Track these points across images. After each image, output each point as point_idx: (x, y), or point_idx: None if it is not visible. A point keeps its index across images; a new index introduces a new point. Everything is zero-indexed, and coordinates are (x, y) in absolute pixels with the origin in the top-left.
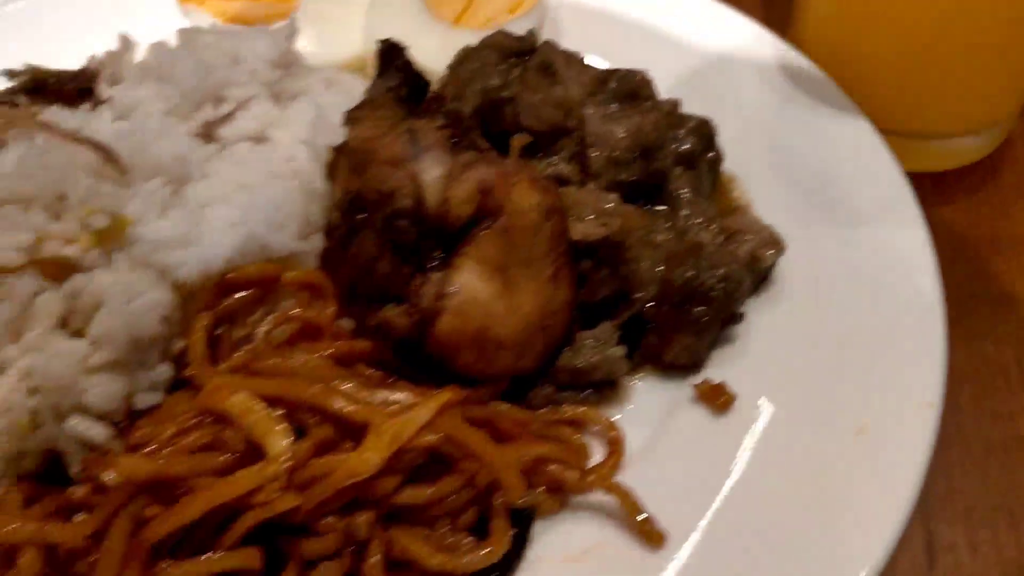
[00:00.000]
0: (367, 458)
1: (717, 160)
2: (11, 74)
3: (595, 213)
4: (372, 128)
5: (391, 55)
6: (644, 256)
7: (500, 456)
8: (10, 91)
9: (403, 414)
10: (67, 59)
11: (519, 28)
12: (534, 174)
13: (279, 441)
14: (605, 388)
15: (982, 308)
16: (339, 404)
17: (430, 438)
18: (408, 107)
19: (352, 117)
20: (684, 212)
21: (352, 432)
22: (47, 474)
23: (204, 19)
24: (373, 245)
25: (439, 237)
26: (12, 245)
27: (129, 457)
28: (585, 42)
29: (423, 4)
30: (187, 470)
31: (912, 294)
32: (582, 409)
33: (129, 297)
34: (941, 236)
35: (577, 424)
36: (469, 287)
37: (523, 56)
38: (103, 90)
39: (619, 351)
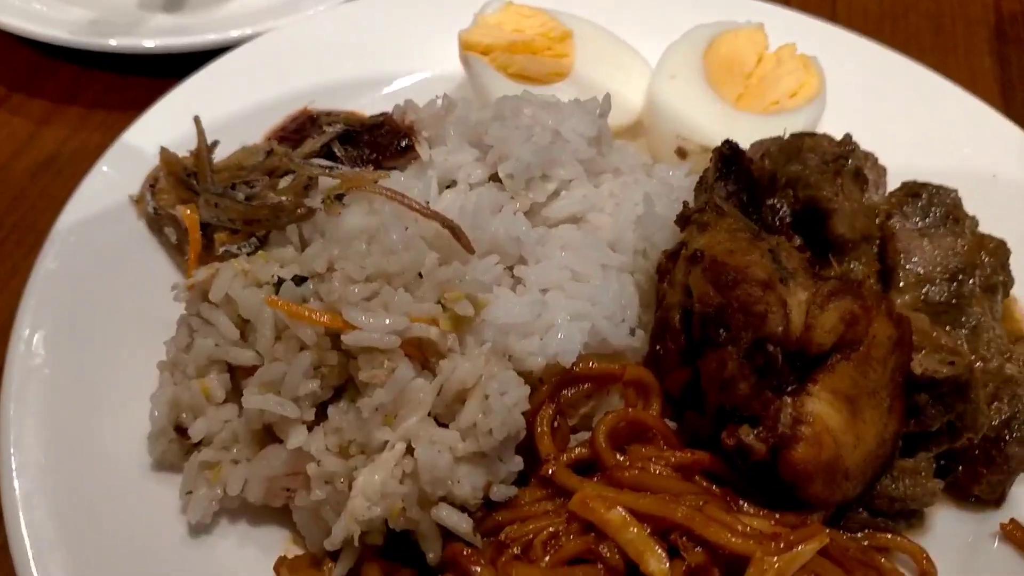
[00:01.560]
0: None
1: (1009, 284)
2: (326, 122)
3: (930, 345)
4: (729, 240)
5: (733, 157)
6: (982, 398)
7: None
8: (327, 140)
9: (784, 551)
10: (329, 92)
11: (806, 118)
12: (891, 307)
13: (659, 563)
14: (911, 516)
15: None
16: (721, 535)
17: None
18: (748, 215)
19: (698, 221)
20: (985, 338)
21: (721, 557)
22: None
23: (486, 71)
24: (736, 364)
25: (796, 361)
26: (389, 328)
27: (523, 565)
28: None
29: (706, 80)
30: None
31: None
32: (897, 537)
33: (502, 391)
34: None
35: (887, 551)
36: (824, 416)
37: (838, 161)
38: (424, 150)
39: (937, 485)
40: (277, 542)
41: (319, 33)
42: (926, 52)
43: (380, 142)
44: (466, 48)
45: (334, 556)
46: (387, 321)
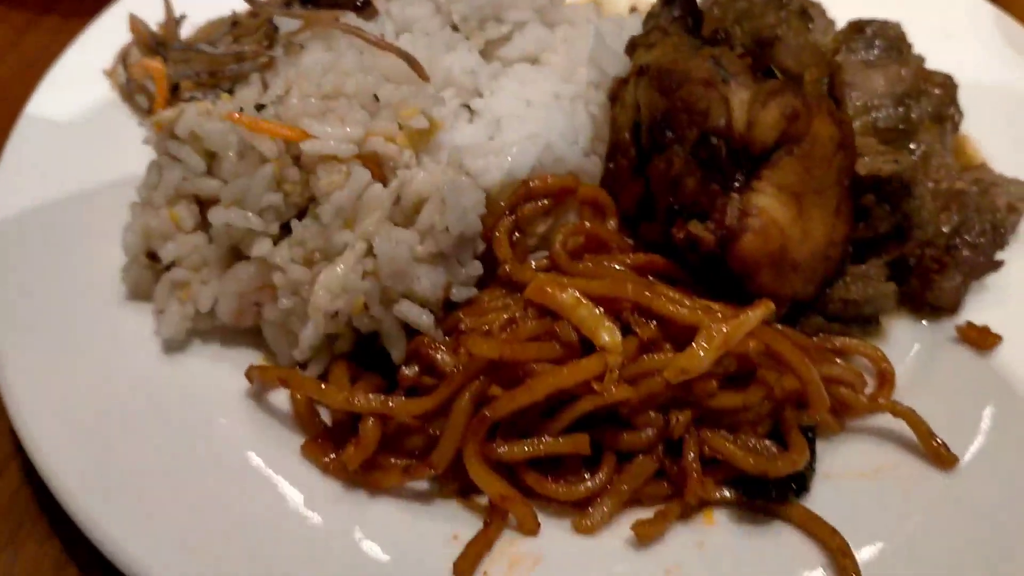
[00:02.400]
0: (699, 357)
1: (959, 118)
2: None
3: (875, 151)
4: (673, 51)
5: None
6: (928, 196)
7: (810, 370)
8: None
9: (731, 319)
10: None
11: None
12: (832, 107)
13: (612, 336)
14: (868, 322)
15: None
16: (670, 307)
17: (753, 345)
18: (696, 37)
19: (644, 43)
20: (934, 162)
21: (672, 334)
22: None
23: None
24: (682, 162)
25: (742, 158)
26: (345, 137)
27: (481, 338)
28: None
29: None
30: (533, 355)
31: None
32: (854, 340)
33: (458, 194)
34: None
35: (846, 354)
36: (771, 209)
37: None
38: (380, 3)
39: (890, 286)
40: (250, 360)
41: None
42: None
43: (340, 0)
44: None
45: (305, 369)
46: (344, 130)
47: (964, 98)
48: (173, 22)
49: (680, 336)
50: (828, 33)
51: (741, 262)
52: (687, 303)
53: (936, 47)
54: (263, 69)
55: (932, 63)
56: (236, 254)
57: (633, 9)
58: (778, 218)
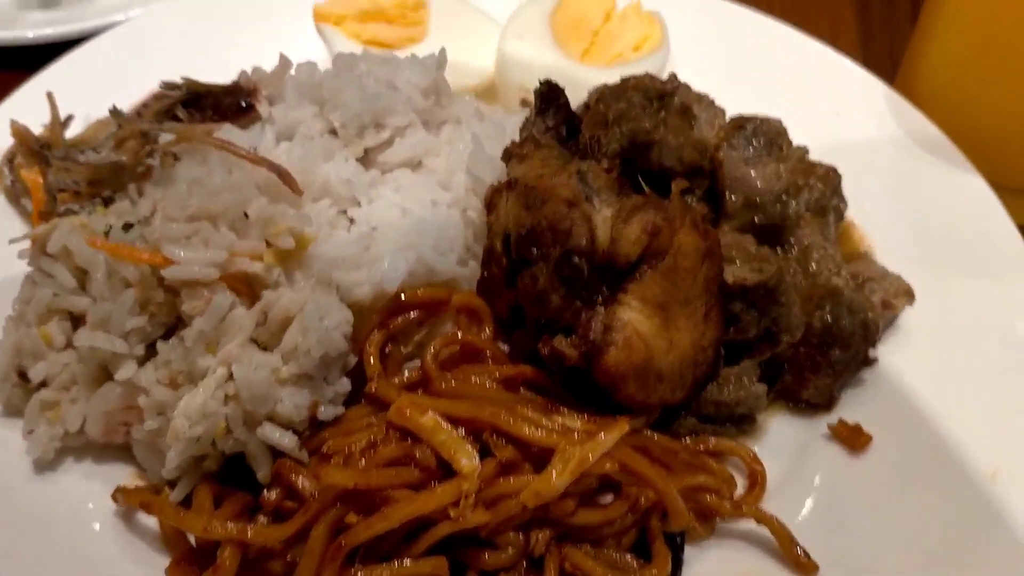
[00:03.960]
0: (554, 481)
1: (842, 207)
2: (169, 87)
3: (744, 257)
4: (541, 166)
5: (551, 95)
6: (795, 301)
7: (668, 485)
8: (169, 104)
9: (587, 441)
10: (201, 69)
11: (644, 68)
12: (696, 218)
13: (470, 460)
14: (743, 422)
15: None
16: (527, 429)
17: (609, 466)
18: (567, 147)
19: (517, 153)
20: (815, 256)
21: (532, 454)
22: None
23: (340, 39)
24: (546, 279)
25: (606, 273)
26: (208, 261)
27: (335, 468)
28: (699, 85)
29: (552, 38)
30: (387, 482)
31: None
32: (727, 440)
33: (320, 315)
34: None
35: (719, 455)
36: (634, 323)
37: (663, 99)
38: (263, 109)
39: (761, 388)
40: (121, 477)
41: (190, 14)
42: (788, 8)
43: (223, 104)
44: (319, 19)
45: (174, 486)
46: (205, 255)
47: (852, 180)
48: (58, 124)
49: (541, 455)
50: (716, 124)
51: (606, 376)
52: (546, 424)
53: (827, 127)
54: (140, 179)
55: (822, 143)
56: (106, 372)
57: (525, 104)
58: (642, 331)
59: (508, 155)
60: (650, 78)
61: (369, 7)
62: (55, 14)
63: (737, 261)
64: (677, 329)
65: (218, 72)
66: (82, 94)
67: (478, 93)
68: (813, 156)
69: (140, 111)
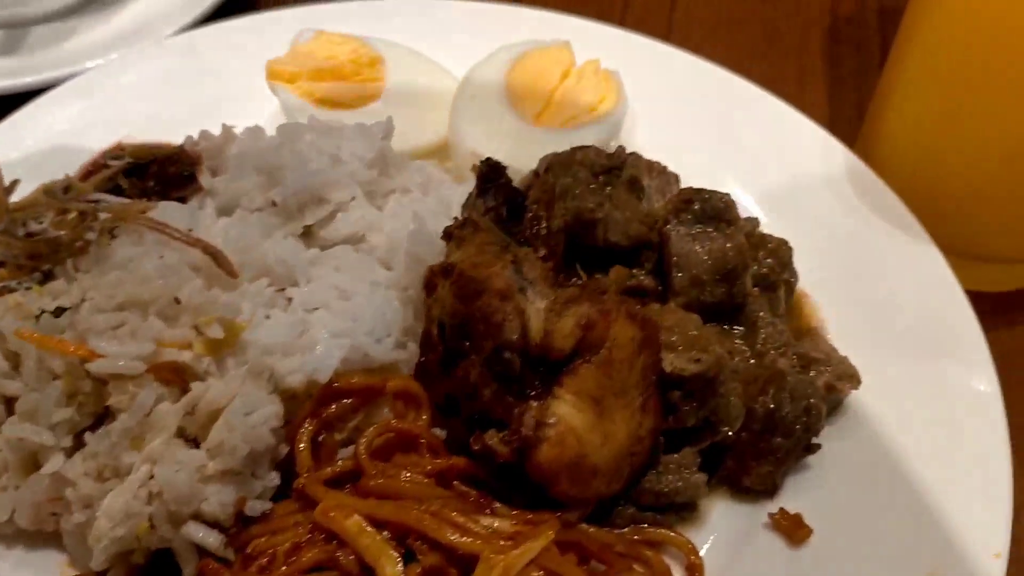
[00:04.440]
0: None
1: (793, 281)
2: (112, 156)
3: (685, 344)
4: (477, 253)
5: (492, 174)
6: (732, 392)
7: None
8: (112, 173)
9: (512, 549)
10: (154, 125)
11: (600, 131)
12: (632, 309)
13: (393, 567)
14: (684, 509)
15: None
16: (452, 536)
17: (536, 574)
18: (508, 227)
19: (457, 235)
20: (762, 334)
21: (459, 558)
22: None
23: (291, 97)
24: (478, 373)
25: (540, 366)
26: (133, 354)
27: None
28: (658, 145)
29: (507, 98)
30: None
31: (979, 435)
32: (664, 531)
33: (247, 410)
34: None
35: (657, 545)
36: (568, 418)
37: (610, 172)
38: (206, 179)
39: (701, 478)
40: (54, 565)
41: (148, 66)
42: (758, 58)
43: (167, 173)
44: (271, 77)
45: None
46: (131, 348)
47: (807, 248)
48: (3, 194)
49: (468, 559)
50: (667, 192)
51: (538, 473)
52: (472, 527)
53: (784, 191)
54: (79, 253)
55: (778, 207)
56: (36, 462)
57: (475, 168)
58: (576, 425)
59: (448, 235)
60: (596, 152)
61: (324, 65)
62: (8, 62)
63: (678, 347)
64: (612, 421)
65: (177, 127)
66: (31, 152)
67: (433, 152)
68: (768, 220)
69: (87, 174)
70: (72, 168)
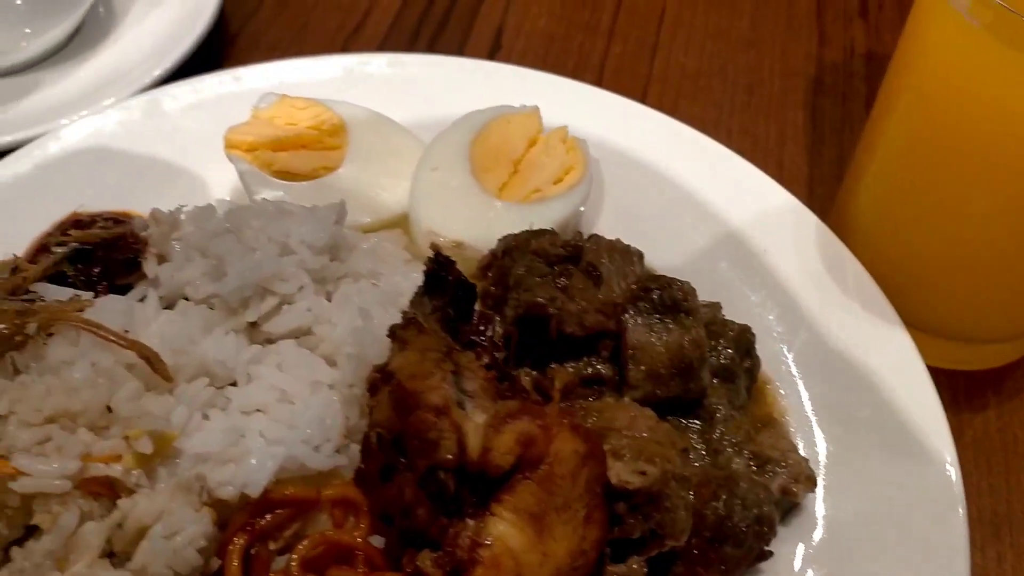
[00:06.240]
0: None
1: (755, 368)
2: (57, 242)
3: (633, 452)
4: (417, 361)
5: (441, 270)
6: (680, 505)
7: None
8: (57, 259)
9: None
10: (115, 191)
11: (564, 207)
12: (575, 422)
13: None
14: None
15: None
16: None
17: None
18: (454, 328)
19: (400, 336)
20: (719, 430)
21: None
22: None
23: (248, 169)
24: (411, 491)
25: (478, 484)
26: (59, 473)
27: None
28: (626, 209)
29: (470, 170)
30: None
31: (940, 538)
32: None
33: (172, 531)
34: (971, 445)
35: None
36: (505, 538)
37: (566, 261)
38: (151, 267)
39: None
40: None
41: (109, 128)
42: (737, 111)
43: (113, 260)
44: (229, 147)
45: None
46: (55, 466)
47: (773, 326)
48: None
49: None
50: (628, 274)
51: None
52: None
53: (753, 262)
54: (17, 347)
55: (747, 279)
56: None
57: (435, 249)
58: (513, 545)
59: (392, 334)
60: (552, 240)
61: (283, 134)
62: None
63: (625, 455)
64: (553, 538)
65: (138, 192)
66: None
67: (396, 222)
68: (736, 293)
69: (38, 250)
70: (27, 236)
